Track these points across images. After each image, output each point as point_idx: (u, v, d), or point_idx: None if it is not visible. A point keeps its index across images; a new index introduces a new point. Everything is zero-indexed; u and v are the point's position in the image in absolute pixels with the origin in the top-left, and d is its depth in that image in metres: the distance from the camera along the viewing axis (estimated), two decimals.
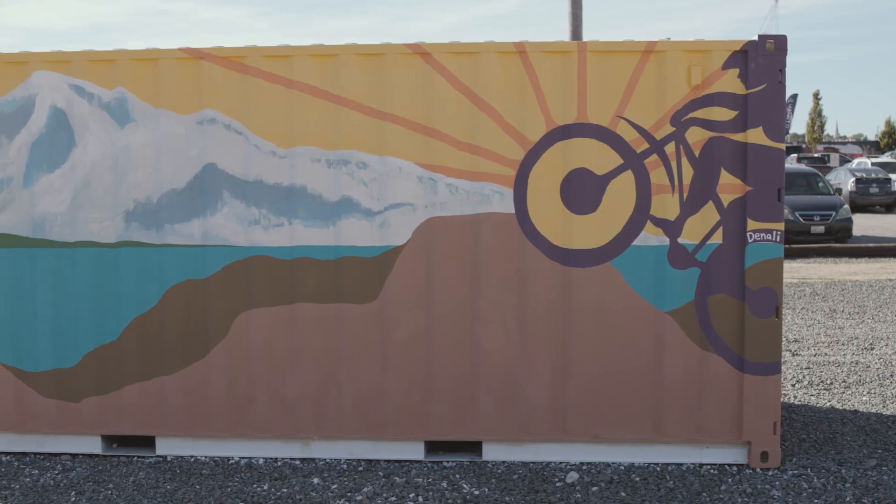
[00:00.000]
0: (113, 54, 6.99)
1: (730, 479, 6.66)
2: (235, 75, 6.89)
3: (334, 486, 6.61)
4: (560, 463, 7.01)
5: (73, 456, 7.29)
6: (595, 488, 6.52)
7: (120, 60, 6.96)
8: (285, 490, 6.54)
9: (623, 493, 6.41)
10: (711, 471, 6.84)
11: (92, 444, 7.28)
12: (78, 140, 7.02)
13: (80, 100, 7.01)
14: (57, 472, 6.99)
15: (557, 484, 6.62)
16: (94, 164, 7.02)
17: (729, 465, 6.94)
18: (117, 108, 6.99)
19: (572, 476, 6.72)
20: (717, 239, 6.78)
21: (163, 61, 6.94)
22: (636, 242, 6.80)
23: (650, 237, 6.80)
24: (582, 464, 6.99)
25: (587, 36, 23.67)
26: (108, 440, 7.34)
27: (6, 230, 7.11)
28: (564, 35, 15.68)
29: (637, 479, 6.69)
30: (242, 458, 7.18)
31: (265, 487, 6.60)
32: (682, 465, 6.95)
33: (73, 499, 6.45)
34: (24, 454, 7.35)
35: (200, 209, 6.98)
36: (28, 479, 6.83)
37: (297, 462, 7.10)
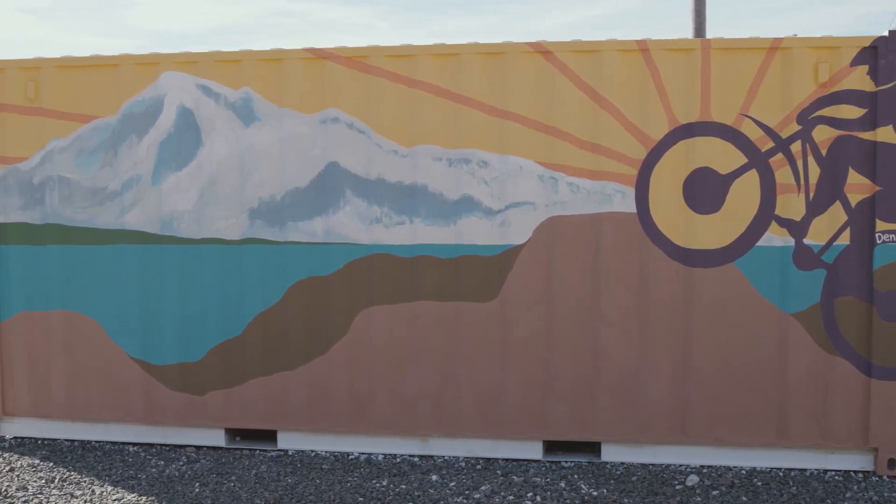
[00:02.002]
0: (239, 55, 7.13)
1: (855, 487, 6.51)
2: (358, 75, 6.98)
3: (452, 484, 6.63)
4: (680, 465, 6.94)
5: (198, 448, 7.48)
6: (715, 492, 6.43)
7: (245, 61, 7.11)
8: (404, 486, 6.59)
9: (744, 498, 6.31)
10: (836, 477, 6.69)
11: (216, 437, 7.44)
12: (205, 139, 7.19)
13: (206, 100, 7.17)
14: (182, 463, 7.16)
15: (677, 487, 6.55)
16: (220, 163, 7.18)
17: (854, 471, 6.78)
18: (243, 108, 7.13)
19: (692, 479, 6.64)
20: (845, 240, 6.63)
21: (287, 61, 7.06)
22: (760, 243, 6.69)
23: (775, 238, 6.68)
24: (702, 467, 6.90)
25: (710, 33, 23.52)
26: (232, 433, 7.51)
27: (136, 227, 7.32)
28: (687, 32, 15.61)
29: (759, 483, 6.58)
30: (362, 453, 7.27)
31: (384, 483, 6.66)
32: (805, 470, 6.81)
33: (196, 490, 6.59)
34: (151, 445, 7.56)
35: (323, 207, 7.08)
36: (154, 470, 7.01)
37: (416, 459, 7.16)
